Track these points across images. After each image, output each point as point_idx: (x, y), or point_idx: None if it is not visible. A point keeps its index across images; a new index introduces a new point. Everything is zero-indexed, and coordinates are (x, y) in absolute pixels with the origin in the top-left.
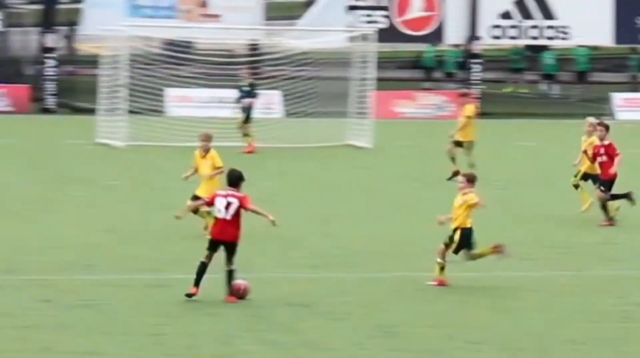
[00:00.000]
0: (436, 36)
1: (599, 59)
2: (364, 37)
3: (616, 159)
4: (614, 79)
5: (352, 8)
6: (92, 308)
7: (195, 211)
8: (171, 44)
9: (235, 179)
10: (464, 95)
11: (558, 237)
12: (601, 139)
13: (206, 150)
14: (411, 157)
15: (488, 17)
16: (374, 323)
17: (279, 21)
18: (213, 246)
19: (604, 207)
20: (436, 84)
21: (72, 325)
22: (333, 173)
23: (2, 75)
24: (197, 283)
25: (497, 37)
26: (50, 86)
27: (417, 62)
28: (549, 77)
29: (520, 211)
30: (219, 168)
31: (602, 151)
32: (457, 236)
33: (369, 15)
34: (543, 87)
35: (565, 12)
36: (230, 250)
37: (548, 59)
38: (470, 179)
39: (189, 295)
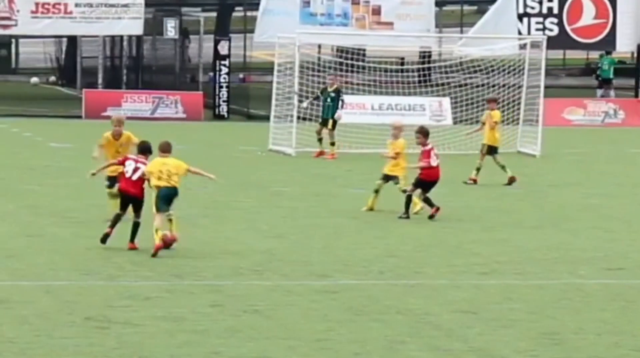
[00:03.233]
0: (607, 44)
1: None
2: (535, 45)
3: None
4: None
5: (523, 16)
6: (260, 314)
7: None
8: (343, 52)
9: (145, 149)
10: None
11: None
12: (423, 145)
13: (119, 134)
14: (580, 164)
15: None
16: (541, 330)
17: (451, 29)
18: (124, 202)
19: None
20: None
21: (240, 330)
22: (501, 180)
23: (177, 82)
24: (112, 226)
25: None
26: (223, 93)
27: (589, 70)
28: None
29: None
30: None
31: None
32: None
33: (539, 23)
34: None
35: None
36: (137, 205)
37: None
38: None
39: (105, 237)
